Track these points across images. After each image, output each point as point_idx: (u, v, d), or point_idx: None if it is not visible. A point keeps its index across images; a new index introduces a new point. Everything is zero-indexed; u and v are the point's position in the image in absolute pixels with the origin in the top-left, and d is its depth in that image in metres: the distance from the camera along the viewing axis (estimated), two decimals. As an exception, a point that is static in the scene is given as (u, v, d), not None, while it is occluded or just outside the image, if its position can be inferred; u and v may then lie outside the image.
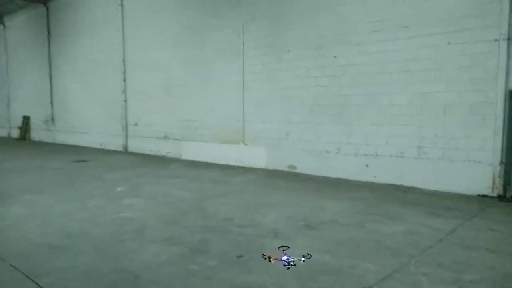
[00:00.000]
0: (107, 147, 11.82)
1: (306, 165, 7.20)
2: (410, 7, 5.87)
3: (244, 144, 8.19)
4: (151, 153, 10.34)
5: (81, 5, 12.44)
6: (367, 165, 6.42)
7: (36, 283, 2.90)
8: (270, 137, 7.72)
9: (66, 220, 4.49)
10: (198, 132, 9.12)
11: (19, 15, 15.47)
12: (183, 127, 9.48)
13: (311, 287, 2.77)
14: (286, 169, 7.50)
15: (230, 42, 8.25)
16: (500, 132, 5.16)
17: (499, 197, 5.18)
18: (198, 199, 5.45)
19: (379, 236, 3.85)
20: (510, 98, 5.05)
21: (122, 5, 10.83)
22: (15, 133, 16.00)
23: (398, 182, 6.09)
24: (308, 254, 2.51)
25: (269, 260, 2.46)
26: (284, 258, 2.46)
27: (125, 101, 11.03)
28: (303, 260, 2.44)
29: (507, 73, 5.08)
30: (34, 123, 15.35)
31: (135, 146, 10.91)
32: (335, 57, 6.69)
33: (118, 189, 6.12)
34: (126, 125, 11.10)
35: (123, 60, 10.95)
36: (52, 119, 14.23)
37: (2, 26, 16.66)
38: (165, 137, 9.96)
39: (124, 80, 10.98)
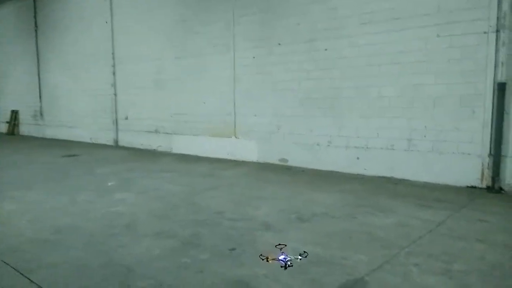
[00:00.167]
0: (97, 141, 11.72)
1: (298, 158, 7.22)
2: (401, -1, 5.88)
3: (236, 137, 8.17)
4: (141, 147, 10.28)
5: (69, -2, 12.27)
6: (358, 158, 6.46)
7: (28, 278, 2.88)
8: (261, 131, 7.72)
9: (57, 215, 4.46)
10: (189, 126, 9.08)
11: (5, 7, 15.20)
12: (174, 121, 9.43)
13: (303, 279, 2.78)
14: (277, 162, 7.52)
15: (221, 35, 8.20)
16: (489, 124, 5.21)
17: (488, 188, 5.24)
18: (189, 193, 5.44)
19: (370, 228, 3.89)
20: (499, 90, 5.09)
21: (110, -2, 10.70)
22: (4, 128, 15.79)
23: (388, 175, 6.14)
24: (304, 252, 2.53)
25: (267, 260, 2.47)
26: (282, 257, 2.47)
27: (115, 94, 10.93)
28: (300, 259, 2.45)
29: (496, 65, 5.12)
30: (23, 117, 15.15)
31: (125, 140, 10.84)
32: (326, 49, 6.69)
33: (109, 184, 6.08)
34: (117, 119, 11.01)
35: (113, 53, 10.83)
36: (41, 114, 14.06)
37: (-12, 19, 16.36)
38: (156, 131, 9.91)
39: (114, 73, 10.88)
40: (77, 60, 12.15)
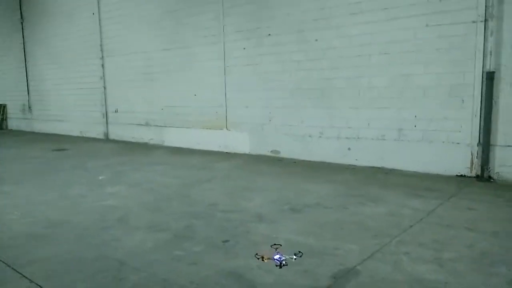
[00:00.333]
0: (87, 135, 11.62)
1: (290, 150, 7.24)
2: (390, -11, 5.88)
3: (227, 129, 8.16)
4: (133, 140, 10.22)
5: (55, -11, 12.06)
6: (349, 148, 6.49)
7: (20, 273, 2.87)
8: (253, 122, 7.71)
9: (48, 209, 4.43)
10: (181, 118, 9.04)
11: (-10, -1, 14.91)
12: (165, 113, 9.38)
13: (296, 269, 2.81)
14: (269, 154, 7.53)
15: (211, 26, 8.13)
16: (478, 114, 5.27)
17: (477, 177, 5.31)
18: (182, 186, 5.43)
19: (361, 217, 3.92)
20: (487, 79, 5.14)
21: (97, -12, 10.54)
22: (-9, 122, 15.58)
23: (379, 165, 6.19)
24: (299, 252, 2.55)
25: (262, 260, 2.49)
26: (277, 257, 2.49)
27: (104, 87, 10.82)
28: (295, 258, 2.47)
29: (485, 55, 5.16)
30: (11, 111, 14.95)
31: (116, 133, 10.76)
32: (316, 40, 6.67)
33: (100, 177, 6.05)
34: (106, 112, 10.92)
35: (101, 46, 10.70)
36: (29, 107, 13.88)
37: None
38: (147, 124, 9.85)
39: (103, 66, 10.76)
40: (65, 53, 11.99)
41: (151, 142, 9.75)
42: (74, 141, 10.83)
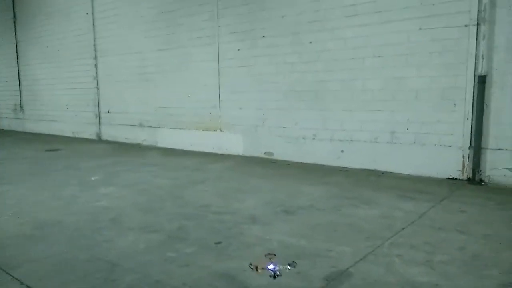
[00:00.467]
0: (80, 136, 11.55)
1: (283, 152, 7.25)
2: (384, -7, 5.92)
3: (221, 131, 8.15)
4: (126, 141, 10.17)
5: (48, -12, 11.99)
6: (342, 151, 6.51)
7: (10, 275, 2.84)
8: (246, 124, 7.72)
9: (39, 210, 4.40)
10: (174, 119, 9.02)
11: (-18, -2, 14.78)
12: (159, 114, 9.35)
13: (289, 271, 2.81)
14: (263, 155, 7.53)
15: (205, 27, 8.13)
16: (470, 117, 5.31)
17: (469, 180, 5.36)
18: (175, 187, 5.42)
19: (354, 219, 3.94)
20: (479, 83, 5.19)
21: (91, -12, 10.50)
22: (-18, 122, 15.44)
23: (372, 167, 6.21)
24: (293, 262, 2.54)
25: (256, 270, 2.48)
26: (271, 267, 2.48)
27: (97, 88, 10.76)
28: (289, 269, 2.47)
29: (477, 59, 5.21)
30: (3, 111, 14.82)
31: (109, 134, 10.71)
32: (311, 42, 6.70)
33: (93, 178, 6.01)
34: (99, 113, 10.86)
35: (94, 46, 10.65)
36: (21, 107, 13.77)
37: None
38: (140, 125, 9.81)
39: (96, 66, 10.70)
40: (58, 52, 11.91)
41: (145, 143, 9.72)
42: (66, 141, 10.76)
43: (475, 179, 5.29)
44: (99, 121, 10.89)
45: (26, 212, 4.36)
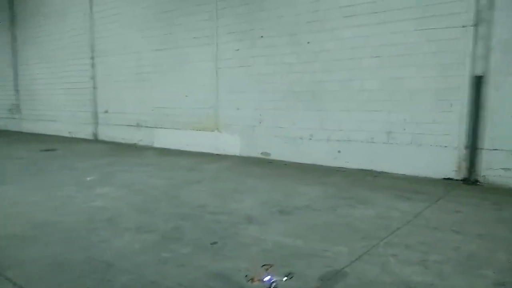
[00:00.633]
0: (77, 136, 11.53)
1: (280, 152, 7.25)
2: (381, -7, 5.93)
3: (218, 131, 8.15)
4: (123, 141, 10.16)
5: (46, -12, 11.96)
6: (339, 151, 6.52)
7: (3, 275, 2.82)
8: (244, 124, 7.71)
9: (35, 210, 4.38)
10: (171, 120, 9.01)
11: (-21, -3, 14.73)
12: (156, 115, 9.34)
13: (284, 271, 2.81)
14: (260, 156, 7.53)
15: (204, 27, 8.13)
16: (466, 117, 5.33)
17: (464, 180, 5.37)
18: (171, 187, 5.41)
19: (350, 219, 3.94)
20: (475, 84, 5.20)
21: (89, -12, 10.48)
22: (-21, 122, 15.38)
23: (369, 167, 6.22)
24: (290, 273, 2.54)
25: (252, 281, 2.48)
26: (267, 278, 2.48)
27: (94, 87, 10.75)
28: (285, 280, 2.46)
29: (474, 59, 5.22)
30: (-1, 111, 14.79)
31: (106, 134, 10.68)
32: (309, 43, 6.70)
33: (89, 178, 5.99)
34: (96, 113, 10.84)
35: (91, 45, 10.63)
36: (18, 107, 13.73)
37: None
38: (137, 125, 9.79)
39: (93, 66, 10.69)
40: (55, 52, 11.89)
41: (141, 143, 9.70)
42: (63, 141, 10.73)
43: (470, 179, 5.31)
44: (96, 121, 10.87)
45: (21, 212, 4.34)
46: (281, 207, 4.38)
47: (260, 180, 5.77)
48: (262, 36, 7.30)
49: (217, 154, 8.03)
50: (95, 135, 10.94)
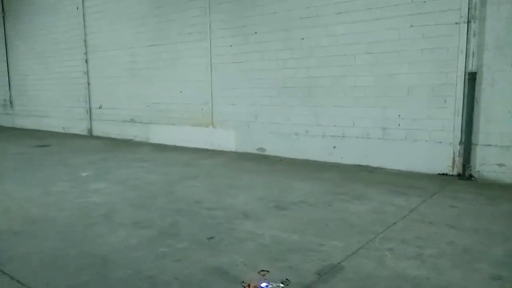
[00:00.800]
0: (71, 131, 11.45)
1: (275, 147, 7.25)
2: (376, -11, 5.93)
3: (213, 127, 8.13)
4: (117, 137, 10.10)
5: (38, -18, 11.83)
6: (334, 147, 6.54)
7: (1, 270, 2.81)
8: (239, 120, 7.71)
9: (30, 206, 4.36)
10: (166, 115, 8.97)
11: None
12: (150, 110, 9.29)
13: (281, 266, 2.82)
14: (255, 151, 7.53)
15: (197, 23, 8.09)
16: (460, 113, 5.36)
17: (459, 175, 5.41)
18: (167, 183, 5.40)
19: (346, 214, 3.96)
20: (469, 80, 5.23)
21: (82, -18, 10.38)
22: (-29, 118, 15.21)
23: (364, 163, 6.25)
24: (287, 279, 2.54)
25: (248, 287, 2.48)
26: (263, 285, 2.48)
27: (88, 83, 10.67)
28: (282, 287, 2.47)
29: (467, 56, 5.25)
30: (-9, 106, 14.63)
31: (100, 130, 10.62)
32: (303, 39, 6.70)
33: (84, 174, 5.97)
34: (90, 108, 10.76)
35: (85, 41, 10.54)
36: (11, 102, 13.60)
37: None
38: (132, 121, 9.75)
39: (86, 61, 10.60)
40: (48, 47, 11.78)
41: (136, 139, 9.66)
42: (57, 137, 10.66)
43: (465, 174, 5.35)
44: (90, 116, 10.80)
45: (17, 208, 4.32)
46: (277, 203, 4.39)
47: (255, 175, 5.78)
48: (256, 32, 7.28)
49: (212, 150, 8.02)
50: (89, 130, 10.87)
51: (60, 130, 11.75)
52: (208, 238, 3.37)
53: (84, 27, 10.51)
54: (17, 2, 12.66)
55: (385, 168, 6.01)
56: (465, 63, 5.27)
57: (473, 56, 5.20)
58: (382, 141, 6.06)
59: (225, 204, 4.36)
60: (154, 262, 2.93)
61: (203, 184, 5.34)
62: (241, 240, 3.31)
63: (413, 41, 5.65)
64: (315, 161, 6.70)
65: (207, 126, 8.22)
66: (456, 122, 5.41)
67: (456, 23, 5.30)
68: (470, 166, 5.33)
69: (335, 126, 6.50)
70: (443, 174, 5.55)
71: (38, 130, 12.26)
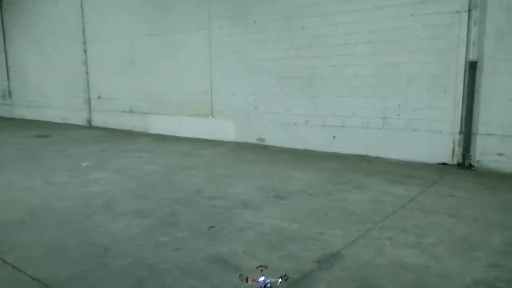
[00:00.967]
0: (70, 122, 11.43)
1: (275, 138, 7.25)
2: (377, -22, 5.88)
3: (213, 117, 8.12)
4: (117, 127, 10.09)
5: (35, -29, 11.71)
6: (334, 137, 6.53)
7: (2, 259, 2.83)
8: (238, 110, 7.69)
9: (30, 196, 4.37)
10: (165, 106, 8.95)
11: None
12: (150, 100, 9.26)
13: (281, 254, 2.84)
14: (255, 141, 7.53)
15: (196, 13, 8.02)
16: (460, 103, 5.34)
17: (458, 165, 5.42)
18: (167, 173, 5.41)
19: (345, 204, 3.97)
20: (470, 69, 5.21)
21: (80, -29, 10.28)
22: (-31, 108, 15.18)
23: (364, 153, 6.25)
24: (285, 275, 2.54)
25: (246, 281, 2.48)
26: (262, 279, 2.48)
27: (87, 73, 10.62)
28: (280, 282, 2.46)
29: (468, 45, 5.22)
30: (-10, 97, 14.59)
31: (99, 120, 10.60)
32: (303, 28, 6.65)
33: (84, 164, 5.97)
34: (89, 99, 10.73)
35: (83, 30, 10.47)
36: (9, 93, 13.55)
37: None
38: (131, 111, 9.72)
39: (85, 51, 10.53)
40: (46, 37, 11.70)
41: (135, 129, 9.65)
42: (56, 127, 10.65)
43: (465, 164, 5.35)
44: (89, 107, 10.77)
45: (17, 197, 4.33)
46: (277, 192, 4.40)
47: (255, 165, 5.78)
48: (255, 21, 7.22)
49: (212, 140, 8.02)
50: (89, 121, 10.85)
51: (60, 120, 11.73)
52: (208, 227, 3.38)
53: (82, 16, 10.43)
54: (14, -9, 12.55)
55: (384, 158, 6.02)
56: (466, 52, 5.24)
57: (473, 45, 5.17)
58: (382, 130, 6.05)
59: (225, 194, 4.37)
60: (155, 251, 2.94)
61: (202, 174, 5.34)
62: (241, 229, 3.33)
63: (413, 30, 5.61)
64: (315, 151, 6.70)
65: (206, 116, 8.20)
66: (456, 112, 5.40)
67: (457, 11, 5.26)
68: (470, 156, 5.34)
69: (335, 116, 6.48)
70: (443, 163, 5.55)
71: (38, 121, 12.24)
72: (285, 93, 7.01)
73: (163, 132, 9.01)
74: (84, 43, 10.51)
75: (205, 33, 7.93)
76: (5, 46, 13.28)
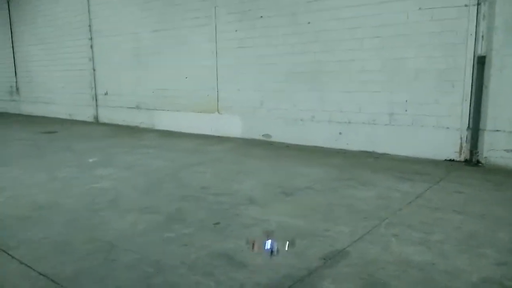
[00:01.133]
0: (77, 118, 11.49)
1: (281, 134, 7.23)
2: (384, -28, 5.82)
3: (219, 113, 8.12)
4: (123, 123, 10.13)
5: (42, -33, 11.74)
6: (340, 133, 6.50)
7: (9, 255, 2.85)
8: (245, 106, 7.67)
9: (37, 192, 4.40)
10: (171, 102, 8.96)
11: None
12: (156, 96, 9.28)
13: (287, 251, 2.83)
14: (261, 137, 7.52)
15: (202, 8, 8.00)
16: (468, 98, 5.29)
17: (466, 161, 5.37)
18: (173, 169, 5.42)
19: (352, 200, 3.96)
20: (478, 64, 5.15)
21: (86, -33, 10.29)
22: (-22, 104, 15.30)
23: (370, 149, 6.22)
24: (292, 241, 2.50)
25: (253, 247, 2.45)
26: (268, 243, 2.45)
27: (94, 69, 10.65)
28: (287, 248, 2.43)
29: (476, 39, 5.16)
30: (-2, 93, 14.70)
31: (106, 116, 10.65)
32: (309, 23, 6.61)
33: (90, 160, 6.00)
34: (96, 95, 10.77)
35: (89, 26, 10.49)
36: (17, 89, 13.65)
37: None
38: (137, 107, 9.75)
39: (91, 47, 10.57)
40: (53, 33, 11.74)
41: (142, 125, 9.68)
42: (63, 123, 10.71)
43: (472, 160, 5.31)
44: (96, 103, 10.81)
45: (24, 194, 4.36)
46: (283, 188, 4.40)
47: (262, 161, 5.78)
48: (261, 16, 7.19)
49: (218, 136, 8.02)
50: (95, 117, 10.90)
51: (67, 116, 11.79)
52: (214, 224, 3.39)
53: (89, 12, 10.45)
54: (21, -13, 12.60)
55: (391, 154, 5.98)
56: (474, 46, 5.18)
57: (482, 40, 5.11)
58: (389, 127, 6.01)
59: (231, 190, 4.38)
60: (161, 247, 2.95)
61: (209, 170, 5.35)
62: (247, 226, 3.33)
63: (421, 24, 5.55)
64: (321, 147, 6.68)
65: (212, 112, 8.20)
66: (464, 107, 5.35)
67: (466, 5, 5.19)
68: (478, 152, 5.29)
69: (342, 111, 6.45)
70: (450, 160, 5.51)
71: (44, 117, 12.32)
72: (292, 88, 6.98)
73: (169, 128, 9.03)
74: (90, 39, 10.54)
75: (212, 28, 7.92)
76: (12, 42, 13.36)
